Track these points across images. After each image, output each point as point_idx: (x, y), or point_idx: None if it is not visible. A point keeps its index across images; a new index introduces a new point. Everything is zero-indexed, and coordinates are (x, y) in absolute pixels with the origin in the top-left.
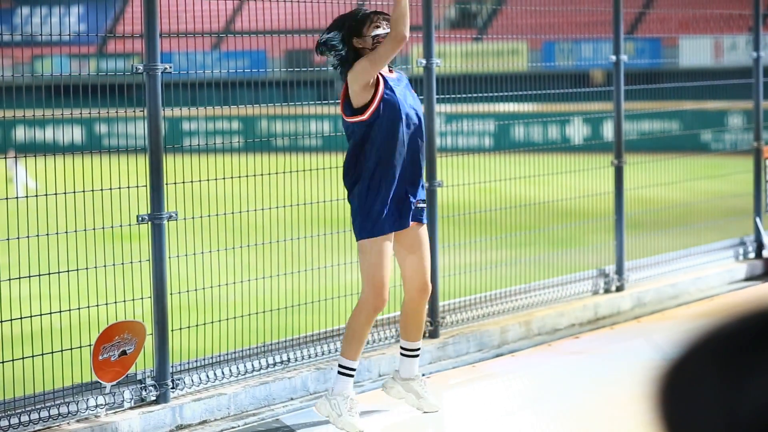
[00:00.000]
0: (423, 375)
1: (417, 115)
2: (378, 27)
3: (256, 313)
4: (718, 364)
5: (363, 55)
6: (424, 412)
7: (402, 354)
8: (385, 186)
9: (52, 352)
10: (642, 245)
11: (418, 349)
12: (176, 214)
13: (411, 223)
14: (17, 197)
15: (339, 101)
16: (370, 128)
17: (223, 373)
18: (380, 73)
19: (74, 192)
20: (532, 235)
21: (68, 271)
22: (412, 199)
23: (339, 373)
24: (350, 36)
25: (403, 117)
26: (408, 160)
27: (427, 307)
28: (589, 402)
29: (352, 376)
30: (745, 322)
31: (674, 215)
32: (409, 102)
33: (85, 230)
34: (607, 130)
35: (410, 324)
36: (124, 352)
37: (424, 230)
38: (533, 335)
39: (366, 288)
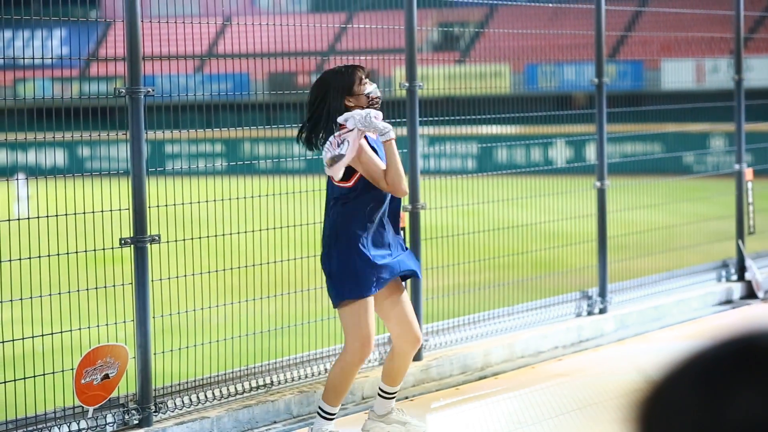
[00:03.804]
0: (406, 398)
1: None
2: (366, 83)
3: (239, 336)
4: (699, 389)
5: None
6: None
7: (380, 395)
8: (369, 246)
9: (34, 376)
10: (625, 268)
11: (397, 392)
12: (159, 237)
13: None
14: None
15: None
16: (355, 191)
17: (206, 396)
18: (365, 137)
19: (57, 215)
20: (515, 258)
21: (50, 294)
22: (394, 255)
23: (318, 414)
24: (341, 95)
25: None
26: (390, 218)
27: (422, 332)
28: (572, 424)
29: (332, 419)
30: (726, 346)
31: (657, 238)
32: None
33: (67, 253)
34: (590, 153)
35: (396, 371)
36: (106, 376)
37: (401, 284)
38: (516, 358)
39: (351, 342)
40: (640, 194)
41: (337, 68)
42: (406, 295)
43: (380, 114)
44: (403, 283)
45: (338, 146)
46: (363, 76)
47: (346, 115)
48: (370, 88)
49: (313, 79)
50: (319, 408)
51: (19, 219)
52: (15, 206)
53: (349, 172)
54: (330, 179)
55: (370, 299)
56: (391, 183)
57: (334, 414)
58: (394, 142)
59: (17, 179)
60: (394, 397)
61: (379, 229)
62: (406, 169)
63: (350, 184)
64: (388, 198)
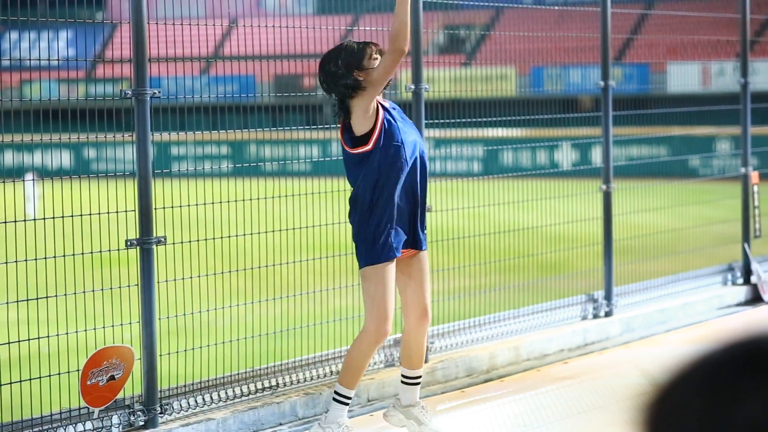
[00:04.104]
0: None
1: (416, 141)
2: (376, 59)
3: (245, 338)
4: (705, 392)
5: (362, 87)
6: None
7: (403, 382)
8: (389, 213)
9: (40, 377)
10: (631, 271)
11: (420, 376)
12: (165, 239)
13: (412, 250)
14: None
15: (328, 126)
16: (373, 157)
17: (211, 398)
18: (378, 102)
19: (63, 216)
20: (521, 261)
21: (56, 295)
22: (415, 226)
23: (334, 399)
24: (350, 69)
25: (405, 143)
26: (410, 186)
27: (428, 334)
28: (578, 428)
29: (347, 404)
30: (731, 349)
31: (663, 241)
32: (408, 129)
33: (73, 255)
34: (596, 156)
35: (412, 352)
36: (112, 377)
37: (425, 257)
38: (522, 360)
39: (369, 319)
40: (645, 197)
41: (347, 43)
42: (427, 271)
43: None
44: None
45: None
46: (374, 52)
47: None
48: (378, 62)
49: (319, 82)
50: (335, 393)
51: (25, 220)
52: (29, 206)
53: (366, 136)
54: (346, 152)
55: (391, 272)
56: (393, 39)
57: (350, 398)
58: (408, 0)
59: (30, 179)
60: (417, 383)
61: (402, 196)
62: None
63: (369, 146)
64: (408, 162)
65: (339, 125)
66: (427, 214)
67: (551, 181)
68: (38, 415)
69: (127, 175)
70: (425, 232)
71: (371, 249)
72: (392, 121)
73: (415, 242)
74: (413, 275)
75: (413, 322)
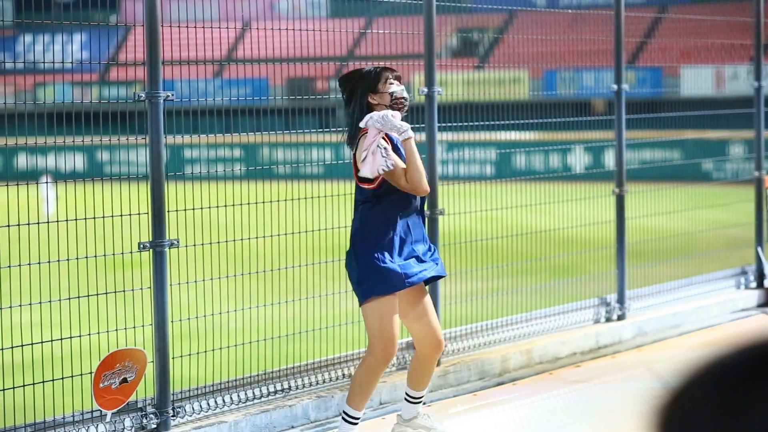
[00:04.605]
0: (423, 403)
1: None
2: (392, 84)
3: (257, 341)
4: (718, 395)
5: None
6: None
7: (406, 399)
8: (395, 246)
9: (53, 380)
10: (643, 274)
11: (423, 396)
12: (178, 242)
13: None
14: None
15: (341, 130)
16: (379, 192)
17: (224, 400)
18: (388, 137)
19: (76, 219)
20: (533, 264)
21: (69, 298)
22: (419, 257)
23: (343, 419)
24: (365, 92)
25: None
26: (415, 218)
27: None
28: (590, 431)
29: (356, 424)
30: (744, 353)
31: (675, 244)
32: None
33: (86, 257)
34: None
35: (421, 376)
36: (125, 380)
37: (422, 287)
38: (534, 364)
39: (375, 343)
40: (658, 201)
41: (365, 69)
42: (428, 300)
43: (398, 114)
44: (426, 286)
45: (384, 157)
46: (390, 76)
47: (366, 117)
48: (396, 88)
49: (332, 85)
50: (344, 413)
51: (39, 222)
52: (44, 207)
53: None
54: (356, 181)
55: (395, 300)
56: (411, 181)
57: (358, 419)
58: (413, 140)
59: (44, 182)
60: (420, 402)
61: (405, 230)
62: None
63: (374, 185)
64: (413, 197)
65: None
66: (440, 217)
67: (564, 184)
68: (51, 418)
69: (140, 178)
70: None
71: (378, 279)
72: (400, 158)
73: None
74: (417, 309)
75: (428, 352)
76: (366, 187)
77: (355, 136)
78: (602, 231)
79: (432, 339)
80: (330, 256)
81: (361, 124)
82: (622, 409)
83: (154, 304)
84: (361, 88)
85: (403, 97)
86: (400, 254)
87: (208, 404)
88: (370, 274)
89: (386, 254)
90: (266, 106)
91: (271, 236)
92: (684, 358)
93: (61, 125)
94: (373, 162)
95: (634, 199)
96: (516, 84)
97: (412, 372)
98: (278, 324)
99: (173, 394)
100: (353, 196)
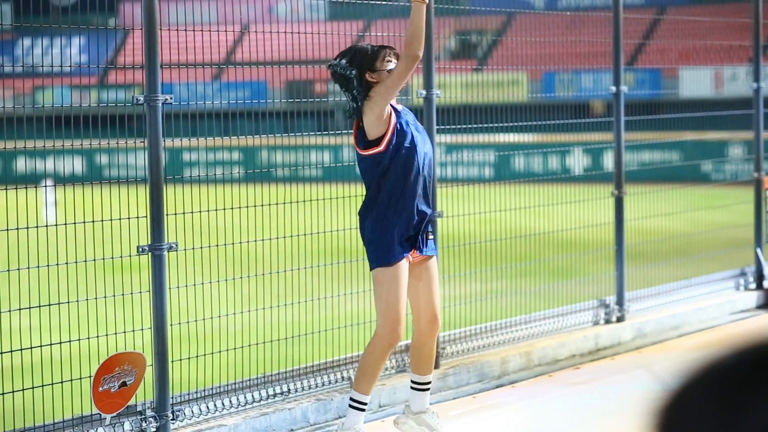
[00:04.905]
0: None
1: (427, 150)
2: (390, 61)
3: (257, 344)
4: (717, 397)
5: (371, 94)
6: None
7: (412, 388)
8: (399, 216)
9: (52, 384)
10: (642, 276)
11: (429, 382)
12: (176, 245)
13: (421, 255)
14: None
15: (340, 132)
16: (386, 159)
17: (223, 404)
18: (391, 105)
19: (74, 223)
20: (532, 266)
21: (68, 302)
22: (424, 228)
23: (350, 406)
24: (363, 70)
25: (416, 146)
26: (421, 189)
27: (437, 339)
28: None
29: (363, 410)
30: (743, 354)
31: (675, 246)
32: (420, 136)
33: (85, 261)
34: (608, 161)
35: (421, 357)
36: (124, 384)
37: (434, 263)
38: (534, 366)
39: (381, 323)
40: (658, 202)
41: (364, 45)
42: (436, 276)
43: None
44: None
45: None
46: (387, 55)
47: None
48: (392, 65)
49: (331, 88)
50: (351, 399)
51: (38, 226)
52: (44, 212)
53: (379, 139)
54: (359, 154)
55: (403, 275)
56: (407, 44)
57: (365, 404)
58: (424, 6)
59: (44, 186)
60: (426, 389)
61: (413, 199)
62: None
63: (381, 147)
64: (419, 165)
65: (353, 127)
66: (439, 220)
67: (563, 186)
68: (50, 422)
69: (138, 181)
70: (432, 238)
71: (383, 250)
72: (405, 126)
73: (419, 245)
74: (423, 281)
75: (423, 327)
76: (374, 151)
77: (358, 110)
78: (601, 233)
79: (429, 311)
80: (329, 258)
81: None
82: (622, 410)
83: (153, 308)
84: (358, 66)
85: None
86: (403, 225)
87: (208, 408)
88: (375, 245)
89: (389, 224)
90: (265, 109)
91: (270, 239)
92: (683, 360)
93: (60, 129)
94: None
95: (633, 200)
96: (515, 86)
97: (413, 355)
98: (277, 327)
99: (172, 398)
100: (354, 197)
